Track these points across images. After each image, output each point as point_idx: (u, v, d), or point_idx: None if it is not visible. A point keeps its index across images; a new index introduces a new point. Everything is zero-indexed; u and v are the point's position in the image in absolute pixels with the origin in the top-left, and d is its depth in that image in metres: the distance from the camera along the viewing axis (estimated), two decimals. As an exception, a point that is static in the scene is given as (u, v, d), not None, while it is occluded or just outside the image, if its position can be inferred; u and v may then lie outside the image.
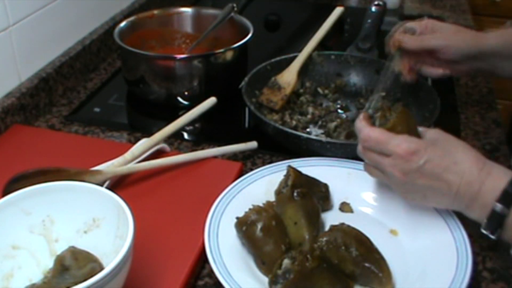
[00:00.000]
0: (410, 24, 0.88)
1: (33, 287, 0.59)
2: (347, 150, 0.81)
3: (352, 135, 0.88)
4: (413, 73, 0.89)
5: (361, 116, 0.70)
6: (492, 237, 0.64)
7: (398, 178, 0.66)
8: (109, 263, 0.52)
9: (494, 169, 0.64)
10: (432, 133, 0.69)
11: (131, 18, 1.07)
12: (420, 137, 0.69)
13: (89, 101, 1.03)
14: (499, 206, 0.62)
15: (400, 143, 0.65)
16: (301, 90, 1.01)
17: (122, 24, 1.05)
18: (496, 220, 0.63)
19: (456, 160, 0.65)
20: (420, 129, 0.71)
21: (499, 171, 0.64)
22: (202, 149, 0.88)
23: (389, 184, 0.70)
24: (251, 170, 0.80)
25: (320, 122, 0.94)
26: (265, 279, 0.64)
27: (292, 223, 0.68)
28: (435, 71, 0.88)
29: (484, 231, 0.64)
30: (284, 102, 0.95)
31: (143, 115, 1.02)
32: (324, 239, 0.64)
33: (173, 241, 0.69)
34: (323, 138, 0.82)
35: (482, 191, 0.63)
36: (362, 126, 0.69)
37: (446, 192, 0.65)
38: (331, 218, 0.73)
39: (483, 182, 0.63)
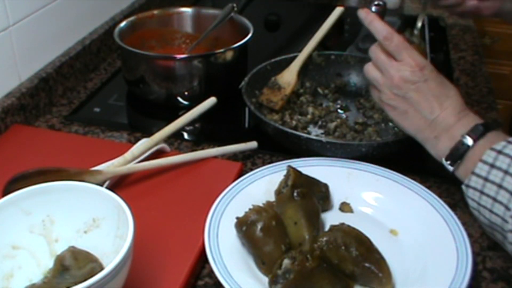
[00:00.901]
0: None
1: (33, 287, 0.59)
2: (347, 150, 0.81)
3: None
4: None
5: (373, 15, 0.76)
6: (451, 168, 0.69)
7: (396, 82, 0.72)
8: (109, 263, 0.52)
9: (472, 114, 0.71)
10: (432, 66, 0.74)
11: (131, 18, 1.07)
12: None
13: (89, 101, 1.03)
14: (467, 138, 0.68)
15: (414, 54, 0.72)
16: (301, 90, 1.01)
17: (122, 24, 1.05)
18: (460, 150, 0.68)
19: (448, 93, 0.72)
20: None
21: (476, 117, 0.71)
22: (202, 149, 0.88)
23: (378, 87, 0.75)
24: (251, 170, 0.80)
25: (320, 122, 0.94)
26: (265, 279, 0.64)
27: (292, 223, 0.68)
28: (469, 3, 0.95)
29: (444, 162, 0.70)
30: (284, 102, 0.95)
31: (143, 115, 1.02)
32: (324, 239, 0.64)
33: (173, 241, 0.69)
34: (323, 138, 0.82)
35: (456, 126, 0.70)
36: (383, 26, 0.74)
37: (426, 115, 0.71)
38: (331, 218, 0.73)
39: (460, 119, 0.70)
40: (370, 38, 1.12)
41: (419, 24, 1.00)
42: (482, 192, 0.64)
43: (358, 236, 0.65)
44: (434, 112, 0.71)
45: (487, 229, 0.67)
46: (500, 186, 0.62)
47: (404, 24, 1.41)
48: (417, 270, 0.65)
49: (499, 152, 0.63)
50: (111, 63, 1.16)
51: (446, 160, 0.70)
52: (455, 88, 0.73)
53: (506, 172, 0.62)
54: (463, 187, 0.67)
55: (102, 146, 0.87)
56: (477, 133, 0.68)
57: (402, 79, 0.72)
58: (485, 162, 0.64)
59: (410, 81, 0.72)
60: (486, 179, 0.63)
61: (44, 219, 0.62)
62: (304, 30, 1.32)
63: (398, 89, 0.73)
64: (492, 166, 0.63)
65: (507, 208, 0.61)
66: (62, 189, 0.62)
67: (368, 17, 0.76)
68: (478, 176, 0.64)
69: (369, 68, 0.77)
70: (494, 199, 0.62)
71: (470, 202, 0.66)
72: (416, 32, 1.00)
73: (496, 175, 0.62)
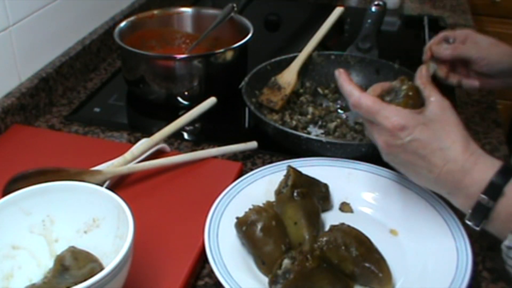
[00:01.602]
0: (448, 33, 0.88)
1: (33, 287, 0.59)
2: (347, 150, 0.81)
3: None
4: (453, 76, 0.89)
5: (344, 76, 0.68)
6: (477, 228, 0.63)
7: (383, 147, 0.66)
8: (109, 263, 0.52)
9: (481, 159, 0.63)
10: (434, 109, 0.65)
11: (131, 18, 1.07)
12: (422, 106, 0.66)
13: (89, 101, 1.03)
14: (485, 199, 0.61)
15: (389, 116, 0.63)
16: (301, 90, 1.01)
17: (122, 24, 1.05)
18: (481, 212, 0.61)
19: (443, 146, 0.63)
20: (432, 98, 0.66)
21: (486, 162, 0.63)
22: (202, 149, 0.88)
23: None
24: (251, 170, 0.80)
25: (320, 122, 0.94)
26: (265, 279, 0.64)
27: (292, 223, 0.68)
28: (469, 82, 0.88)
29: (468, 222, 0.63)
30: (284, 102, 0.95)
31: (143, 115, 1.02)
32: (324, 239, 0.64)
33: (173, 241, 0.69)
34: (323, 138, 0.82)
35: (467, 181, 0.62)
36: (351, 90, 0.67)
37: (427, 173, 0.64)
38: (331, 218, 0.73)
39: (468, 171, 0.62)
40: (370, 38, 1.13)
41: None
42: None
43: (358, 236, 0.65)
44: (433, 171, 0.63)
45: None
46: None
47: (404, 24, 1.41)
48: (417, 270, 0.65)
49: None
50: (111, 63, 1.16)
51: (469, 221, 0.63)
52: (455, 131, 0.64)
53: None
54: (503, 247, 0.61)
55: (102, 146, 0.87)
56: (496, 192, 0.60)
57: (386, 144, 0.65)
58: None
59: (394, 145, 0.64)
60: None
61: (44, 219, 0.62)
62: (304, 30, 1.32)
63: (387, 154, 0.66)
64: None
65: None
66: (62, 189, 0.62)
67: (339, 79, 0.69)
68: None
69: (366, 132, 0.71)
70: None
71: (510, 262, 0.61)
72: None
73: None
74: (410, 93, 0.67)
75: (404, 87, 0.68)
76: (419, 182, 0.67)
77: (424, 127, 0.63)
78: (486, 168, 0.62)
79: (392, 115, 0.63)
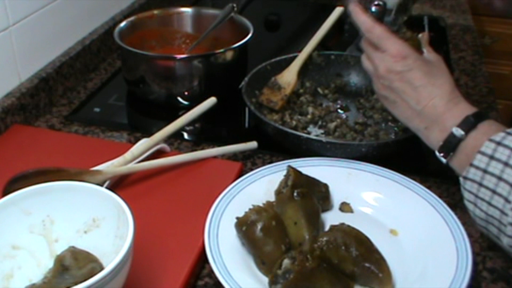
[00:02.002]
0: None
1: (33, 287, 0.58)
2: (347, 150, 0.81)
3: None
4: None
5: (358, 9, 0.76)
6: (444, 160, 0.69)
7: (381, 73, 0.73)
8: (109, 263, 0.52)
9: (463, 103, 0.70)
10: (431, 56, 0.76)
11: (131, 18, 1.07)
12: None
13: (89, 101, 1.03)
14: (458, 131, 0.67)
15: (396, 43, 0.72)
16: (301, 90, 1.01)
17: (122, 24, 1.05)
18: (452, 143, 0.67)
19: (435, 82, 0.71)
20: (425, 50, 0.77)
21: (466, 105, 0.70)
22: (202, 149, 0.88)
23: (371, 77, 0.77)
24: (251, 170, 0.80)
25: (320, 122, 0.94)
26: (265, 279, 0.64)
27: (292, 223, 0.68)
28: None
29: (437, 154, 0.69)
30: (284, 102, 0.95)
31: (143, 115, 1.02)
32: (324, 239, 0.64)
33: (173, 241, 0.69)
34: (323, 138, 0.82)
35: (445, 116, 0.69)
36: (366, 18, 0.75)
37: (413, 105, 0.71)
38: (331, 218, 0.73)
39: (449, 109, 0.69)
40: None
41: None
42: (480, 184, 0.63)
43: (358, 236, 0.65)
44: (420, 102, 0.71)
45: (481, 223, 0.66)
46: (500, 178, 0.61)
47: (404, 24, 1.41)
48: (417, 270, 0.65)
49: (498, 143, 0.63)
50: (111, 63, 1.16)
51: (439, 152, 0.69)
52: (446, 76, 0.72)
53: (506, 163, 0.61)
54: (461, 179, 0.66)
55: (102, 146, 0.87)
56: (468, 125, 0.67)
57: (386, 69, 0.73)
58: (483, 154, 0.63)
59: (393, 71, 0.72)
60: (485, 171, 0.63)
61: (44, 219, 0.62)
62: (304, 30, 1.32)
63: (384, 79, 0.74)
64: (492, 157, 0.62)
65: (507, 200, 0.60)
66: (62, 189, 0.62)
67: (354, 10, 0.76)
68: (477, 168, 0.63)
69: (363, 60, 0.79)
70: (494, 191, 0.62)
71: (467, 195, 0.66)
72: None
73: (495, 167, 0.62)
74: (413, 43, 0.77)
75: (409, 35, 0.82)
76: (402, 114, 0.74)
77: (423, 63, 0.72)
78: (465, 108, 0.69)
79: (399, 44, 0.73)
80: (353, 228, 0.66)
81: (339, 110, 0.99)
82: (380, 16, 1.17)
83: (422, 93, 0.71)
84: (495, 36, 1.78)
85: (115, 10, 1.22)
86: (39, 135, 0.89)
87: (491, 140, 0.63)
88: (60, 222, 0.63)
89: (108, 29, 1.15)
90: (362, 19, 0.76)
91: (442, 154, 0.69)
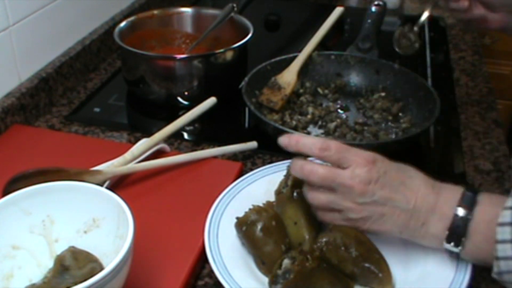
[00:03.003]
0: None
1: (33, 287, 0.59)
2: (347, 150, 0.81)
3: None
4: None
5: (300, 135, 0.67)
6: (456, 250, 0.61)
7: (358, 190, 0.61)
8: (109, 263, 0.52)
9: (444, 184, 0.64)
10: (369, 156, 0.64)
11: (131, 18, 1.07)
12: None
13: (89, 101, 1.03)
14: (461, 210, 0.60)
15: (360, 152, 0.63)
16: (301, 90, 1.01)
17: (122, 24, 1.05)
18: (459, 227, 0.60)
19: (410, 174, 0.64)
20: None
21: (449, 185, 0.64)
22: (202, 149, 0.88)
23: (337, 207, 0.64)
24: (251, 170, 0.80)
25: (320, 122, 0.94)
26: (265, 279, 0.64)
27: (292, 223, 0.68)
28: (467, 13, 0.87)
29: (447, 246, 0.61)
30: (284, 102, 0.95)
31: (143, 115, 1.02)
32: (324, 239, 0.64)
33: (173, 241, 0.69)
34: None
35: (440, 203, 0.61)
36: (313, 139, 0.65)
37: (404, 207, 0.62)
38: (331, 218, 0.73)
39: (439, 194, 0.62)
40: (370, 38, 1.13)
41: (422, 19, 0.99)
42: None
43: (358, 236, 0.65)
44: (410, 200, 0.62)
45: None
46: None
47: (403, 24, 1.41)
48: (417, 270, 0.65)
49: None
50: (111, 63, 1.16)
51: (448, 242, 0.61)
52: (407, 165, 0.65)
53: None
54: (495, 276, 0.58)
55: (102, 146, 0.87)
56: (469, 201, 0.60)
57: (362, 183, 0.61)
58: (503, 224, 0.56)
59: (371, 181, 0.61)
60: None
61: (44, 219, 0.62)
62: (304, 30, 1.32)
63: (364, 196, 0.62)
64: None
65: None
66: (62, 189, 0.62)
67: (292, 139, 0.65)
68: (503, 242, 0.56)
69: (314, 196, 0.65)
70: None
71: (508, 277, 0.57)
72: (416, 28, 0.99)
73: None
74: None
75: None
76: (392, 226, 0.63)
77: (389, 161, 0.64)
78: (453, 187, 0.63)
79: (361, 152, 0.63)
80: (353, 228, 0.66)
81: (339, 110, 0.99)
82: (380, 16, 1.18)
83: (406, 190, 0.62)
84: (495, 36, 1.78)
85: (115, 10, 1.22)
86: (39, 135, 0.89)
87: (506, 208, 0.57)
88: (60, 222, 0.63)
89: (108, 29, 1.15)
90: (310, 141, 0.64)
91: (452, 244, 0.60)
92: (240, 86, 0.92)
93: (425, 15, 0.95)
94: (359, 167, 0.62)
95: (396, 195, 0.62)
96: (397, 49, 0.98)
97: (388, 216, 0.63)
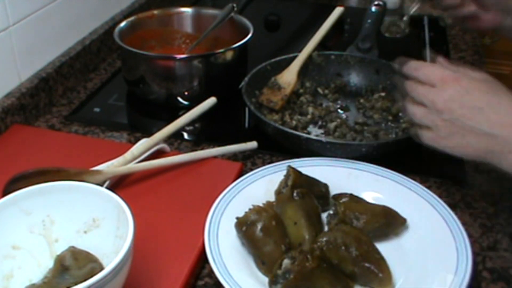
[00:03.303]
0: None
1: (33, 287, 0.59)
2: (347, 150, 0.81)
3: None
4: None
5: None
6: None
7: (440, 106, 0.63)
8: (109, 263, 0.52)
9: None
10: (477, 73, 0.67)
11: (131, 18, 1.07)
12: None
13: (89, 101, 1.03)
14: None
15: (444, 68, 0.67)
16: (301, 90, 1.01)
17: (122, 24, 1.05)
18: None
19: (500, 94, 0.63)
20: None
21: None
22: (202, 149, 0.88)
23: (429, 124, 0.65)
24: (251, 170, 0.80)
25: (320, 122, 0.94)
26: (265, 279, 0.64)
27: (292, 223, 0.68)
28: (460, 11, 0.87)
29: None
30: (284, 102, 0.95)
31: (143, 115, 1.02)
32: (324, 239, 0.64)
33: (173, 241, 0.69)
34: (323, 138, 0.82)
35: None
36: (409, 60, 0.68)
37: (486, 130, 0.61)
38: (331, 218, 0.73)
39: None
40: (370, 38, 1.13)
41: (412, 11, 1.00)
42: None
43: (358, 236, 0.65)
44: (494, 125, 0.61)
45: None
46: None
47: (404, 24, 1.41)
48: (417, 270, 0.65)
49: None
50: (111, 63, 1.16)
51: None
52: (499, 83, 0.65)
53: None
54: None
55: (102, 146, 0.87)
56: None
57: (443, 99, 0.63)
58: None
59: (452, 100, 0.63)
60: None
61: (44, 219, 0.62)
62: (304, 30, 1.32)
63: (443, 113, 0.63)
64: None
65: None
66: (62, 189, 0.62)
67: (411, 64, 0.68)
68: None
69: (408, 108, 0.68)
70: None
71: None
72: (405, 18, 1.00)
73: None
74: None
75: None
76: (476, 149, 0.63)
77: (477, 81, 0.65)
78: None
79: (446, 68, 0.67)
80: (353, 228, 0.66)
81: (339, 110, 0.99)
82: (380, 16, 1.18)
83: (492, 113, 0.62)
84: (495, 36, 1.78)
85: (115, 10, 1.22)
86: (39, 135, 0.89)
87: None
88: (60, 222, 0.63)
89: (108, 29, 1.15)
90: (413, 65, 0.68)
91: None
92: (240, 86, 0.92)
93: (415, 8, 0.96)
94: (447, 72, 0.65)
95: (478, 116, 0.62)
96: (386, 34, 0.99)
97: (469, 138, 0.63)
